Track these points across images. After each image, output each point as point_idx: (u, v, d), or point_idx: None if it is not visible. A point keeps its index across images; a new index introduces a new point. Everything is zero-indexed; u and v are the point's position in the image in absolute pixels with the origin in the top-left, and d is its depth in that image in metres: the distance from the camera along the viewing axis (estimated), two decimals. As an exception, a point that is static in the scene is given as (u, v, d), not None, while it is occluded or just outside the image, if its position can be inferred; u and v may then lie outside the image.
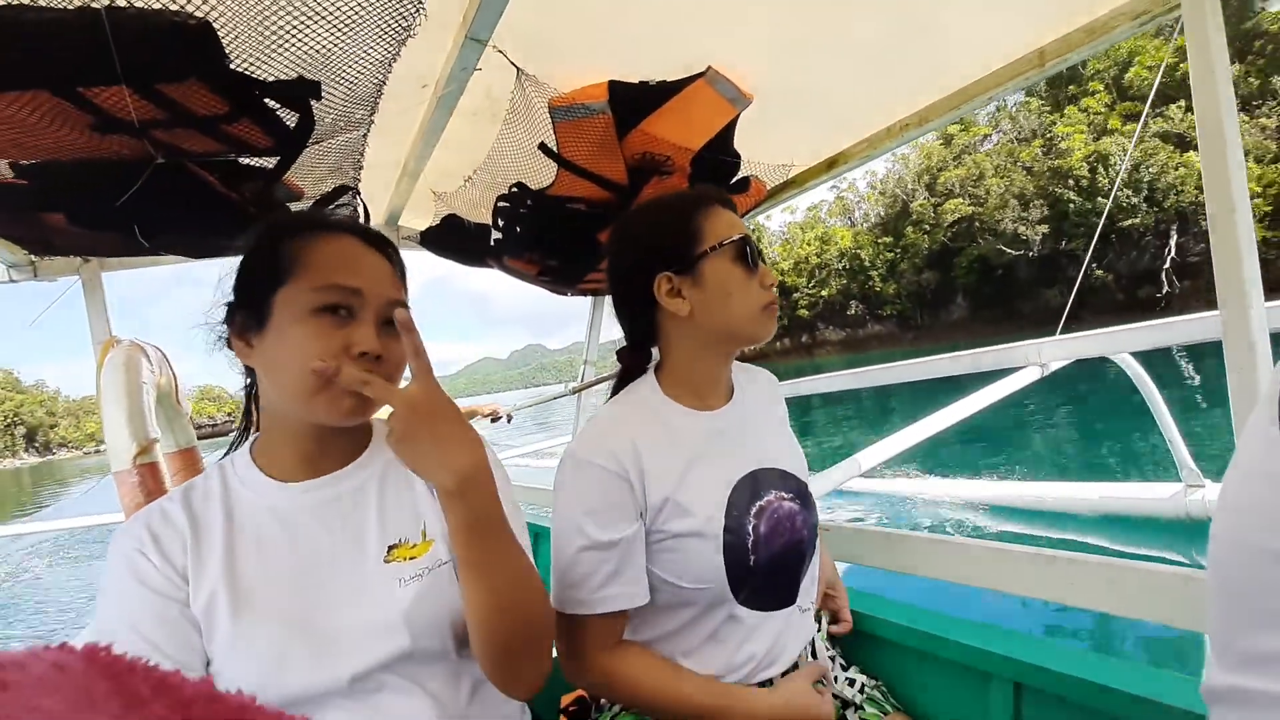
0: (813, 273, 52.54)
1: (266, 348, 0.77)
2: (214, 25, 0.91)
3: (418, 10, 0.97)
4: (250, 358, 0.80)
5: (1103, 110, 38.21)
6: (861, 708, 1.05)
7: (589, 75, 1.44)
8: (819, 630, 1.15)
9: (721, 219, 0.97)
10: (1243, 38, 33.59)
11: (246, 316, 0.78)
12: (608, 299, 1.11)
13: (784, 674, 1.04)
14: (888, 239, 48.71)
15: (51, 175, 1.14)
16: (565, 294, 2.49)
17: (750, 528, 0.95)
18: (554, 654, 0.87)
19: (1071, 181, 35.57)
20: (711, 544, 0.93)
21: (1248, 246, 0.98)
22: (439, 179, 1.99)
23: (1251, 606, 0.41)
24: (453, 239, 2.16)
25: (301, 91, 1.07)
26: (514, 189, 1.80)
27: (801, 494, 1.04)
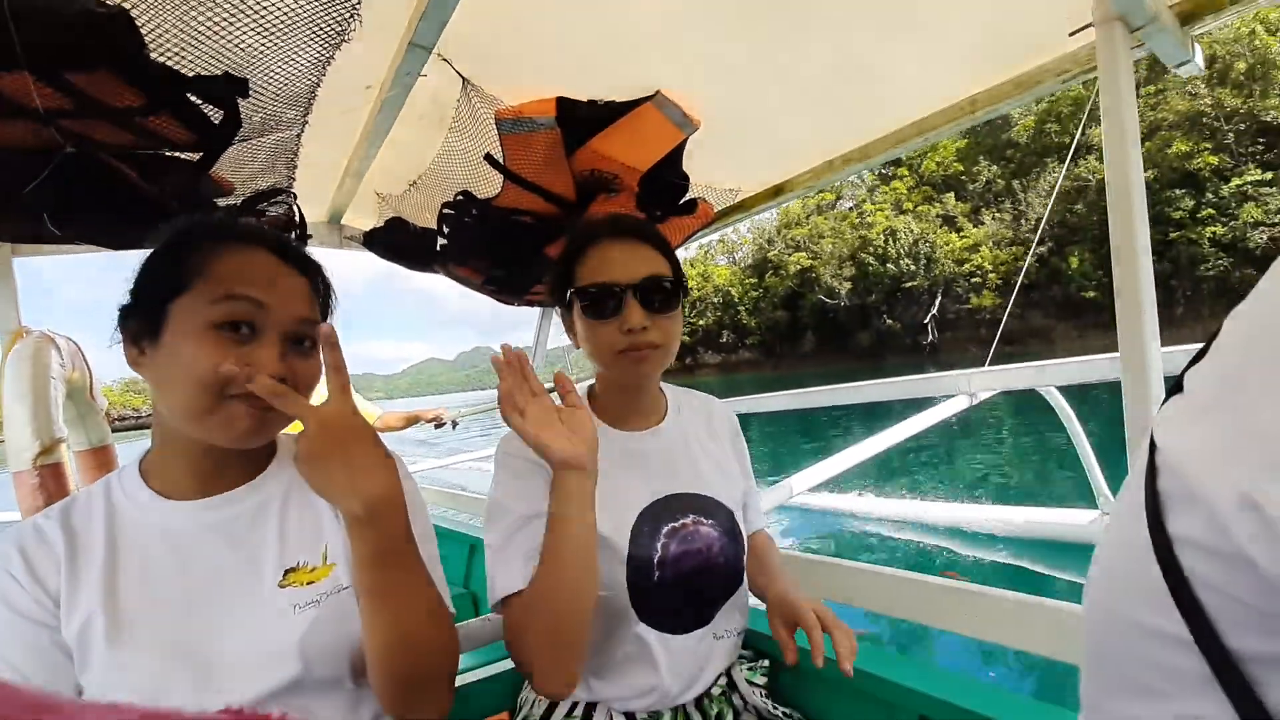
0: (694, 304, 61.58)
1: (159, 359, 0.72)
2: (132, 16, 0.87)
3: (352, 16, 0.94)
4: (141, 367, 0.74)
5: (905, 192, 47.90)
6: None
7: (537, 90, 1.43)
8: (744, 665, 1.15)
9: (597, 259, 0.98)
10: (1000, 146, 43.27)
11: (140, 322, 0.73)
12: (555, 309, 1.12)
13: (694, 701, 1.06)
14: (753, 279, 58.29)
15: (-53, 157, 1.07)
16: (512, 304, 2.47)
17: (659, 545, 0.98)
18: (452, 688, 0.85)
19: (872, 249, 45.59)
20: (616, 555, 0.96)
21: (1147, 293, 1.04)
22: (384, 181, 1.94)
23: (1121, 674, 0.41)
24: (397, 241, 2.11)
25: (228, 89, 1.03)
26: (460, 197, 1.77)
27: (726, 523, 1.05)
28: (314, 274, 0.82)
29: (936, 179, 46.65)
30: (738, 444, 1.19)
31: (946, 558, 3.75)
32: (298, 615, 0.76)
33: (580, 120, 1.45)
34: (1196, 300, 31.41)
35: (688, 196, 1.81)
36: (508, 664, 1.46)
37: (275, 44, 0.99)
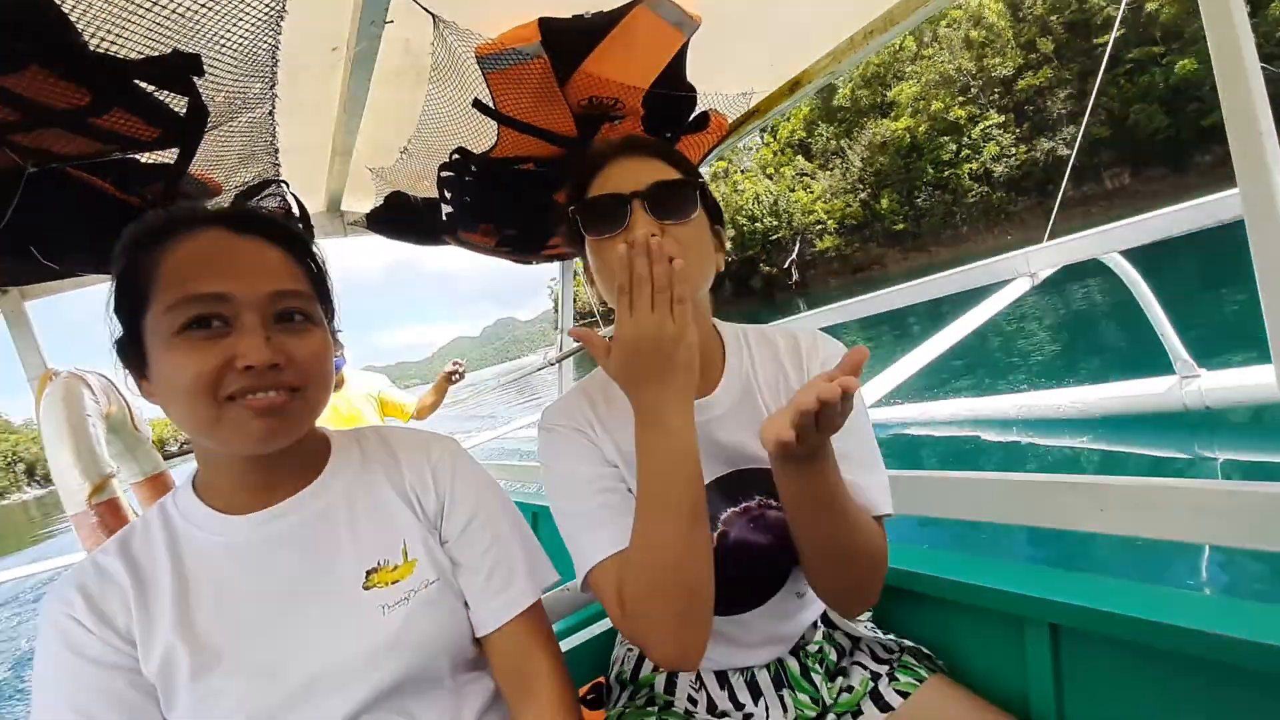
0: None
1: (155, 383, 0.67)
2: (49, -3, 0.76)
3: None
4: (150, 396, 0.69)
5: (770, 156, 56.47)
6: (896, 677, 0.98)
7: (516, 15, 1.28)
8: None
9: (602, 176, 0.87)
10: (833, 110, 51.14)
11: (130, 351, 0.68)
12: (577, 261, 1.01)
13: (790, 651, 0.99)
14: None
15: (-90, 202, 0.99)
16: (530, 263, 2.35)
17: (715, 535, 0.86)
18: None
19: (744, 212, 54.88)
20: None
21: (1266, 124, 0.87)
22: (374, 154, 1.83)
23: None
24: (400, 218, 2.01)
25: (180, 69, 0.92)
26: (455, 156, 1.64)
27: None
28: (286, 238, 0.73)
29: (794, 142, 55.84)
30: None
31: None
32: (389, 615, 0.72)
33: (568, 41, 1.31)
34: (971, 220, 42.40)
35: (697, 110, 1.65)
36: (599, 627, 1.42)
37: (215, 6, 0.87)
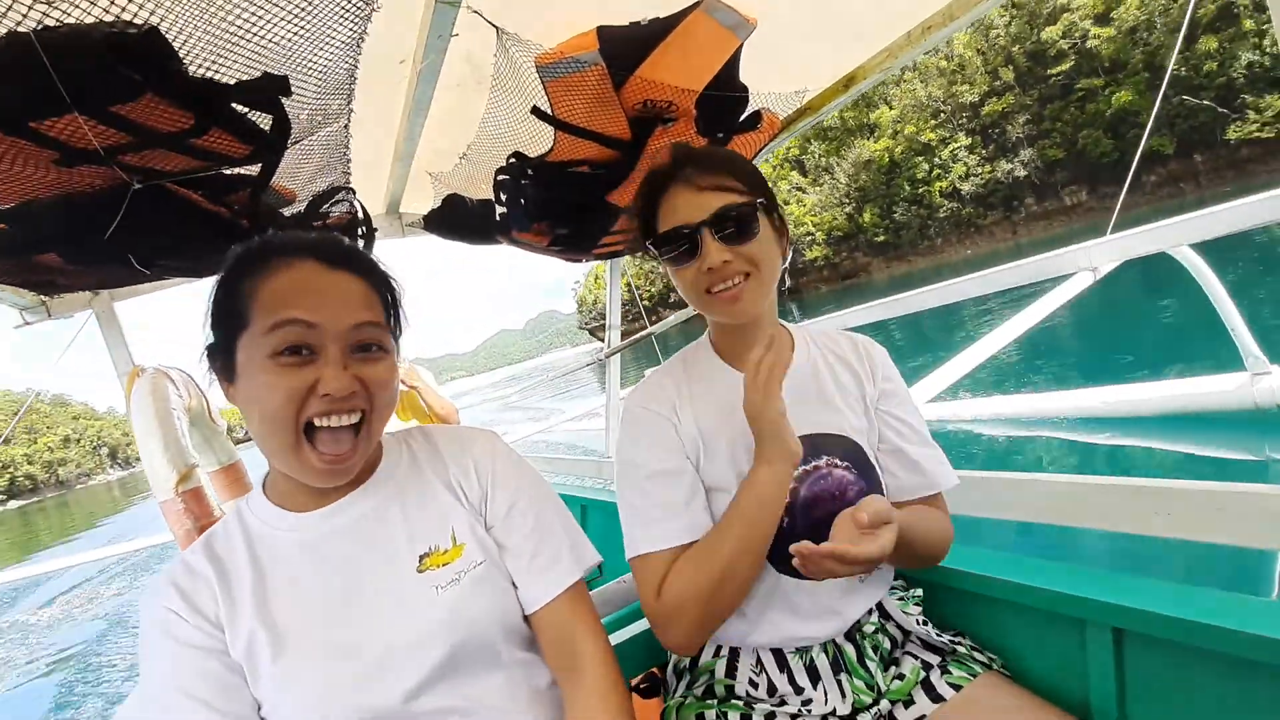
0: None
1: (240, 395, 0.74)
2: (160, 31, 0.83)
3: (376, -21, 0.86)
4: (233, 400, 0.77)
5: (770, 171, 55.43)
6: (948, 670, 0.99)
7: (575, 24, 1.31)
8: (895, 595, 1.10)
9: (668, 204, 0.96)
10: (824, 129, 53.06)
11: (220, 361, 0.76)
12: (624, 260, 1.13)
13: (845, 634, 1.04)
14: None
15: (32, 217, 1.09)
16: (581, 261, 2.40)
17: (788, 490, 0.94)
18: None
19: None
20: None
21: None
22: (433, 159, 1.89)
23: None
24: (456, 219, 2.07)
25: (270, 89, 0.98)
26: (511, 160, 1.69)
27: (861, 463, 1.00)
28: (368, 271, 0.80)
29: (789, 158, 58.25)
30: (885, 381, 1.10)
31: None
32: (442, 595, 0.79)
33: (625, 48, 1.33)
34: (943, 232, 47.16)
35: (750, 110, 1.66)
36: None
37: (304, 30, 0.92)
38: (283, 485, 0.82)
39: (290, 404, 0.70)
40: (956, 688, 0.97)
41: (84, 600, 9.49)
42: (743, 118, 1.69)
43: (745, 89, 1.59)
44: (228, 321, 0.74)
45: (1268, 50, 30.80)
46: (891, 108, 49.79)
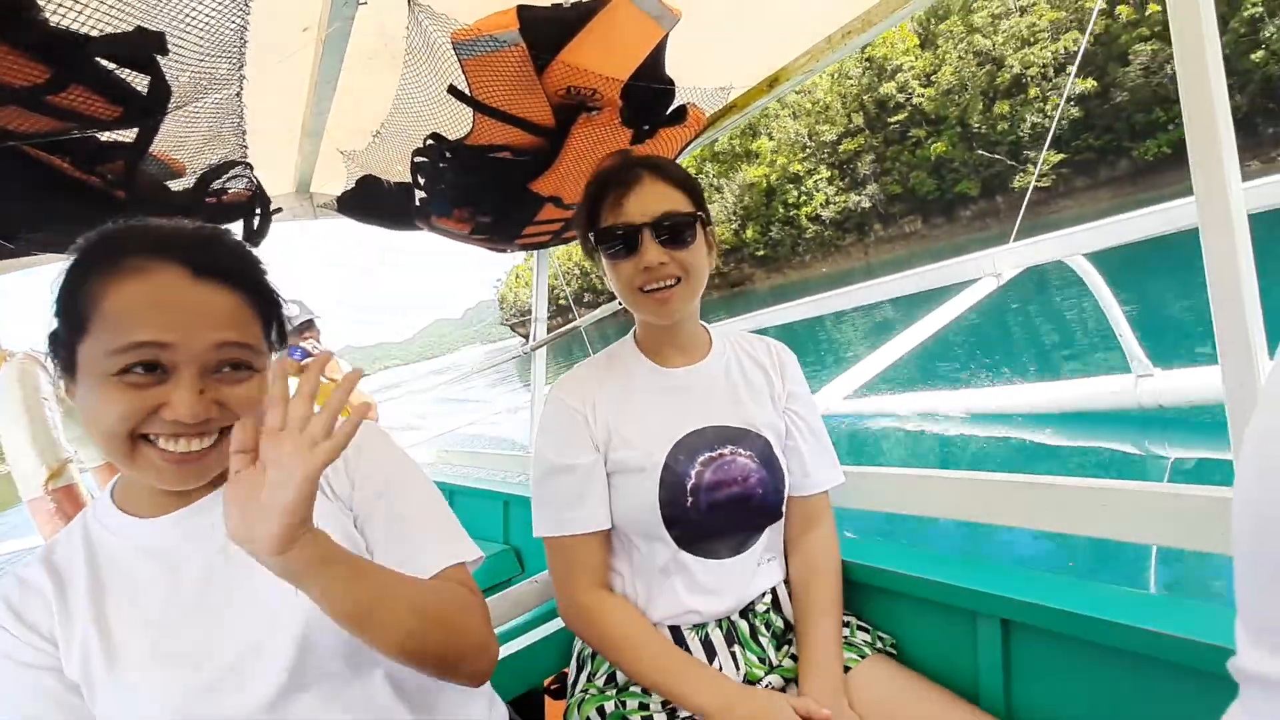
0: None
1: (79, 399, 0.67)
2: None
3: (263, -69, 0.79)
4: (73, 399, 0.69)
5: None
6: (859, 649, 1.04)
7: (493, 2, 1.26)
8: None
9: (614, 200, 1.03)
10: (717, 153, 61.27)
11: (61, 359, 0.68)
12: (550, 251, 1.16)
13: (740, 612, 1.09)
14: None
15: None
16: (505, 251, 2.33)
17: (693, 472, 1.04)
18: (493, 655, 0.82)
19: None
20: (649, 479, 1.04)
21: (1224, 123, 0.89)
22: (345, 136, 1.79)
23: None
24: (372, 202, 1.97)
25: (142, 46, 0.89)
26: (429, 141, 1.62)
27: (764, 454, 1.07)
28: (243, 281, 0.72)
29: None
30: (792, 384, 1.17)
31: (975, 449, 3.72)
32: (301, 595, 0.70)
33: (546, 29, 1.29)
34: (810, 250, 56.04)
35: (675, 104, 1.65)
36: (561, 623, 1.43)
37: (182, -18, 0.84)
38: (133, 490, 0.76)
39: (128, 421, 0.64)
40: (847, 668, 1.01)
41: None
42: (669, 111, 1.68)
43: (671, 82, 1.58)
44: (69, 320, 0.66)
45: (1048, 114, 40.79)
46: (771, 139, 58.26)
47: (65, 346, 0.67)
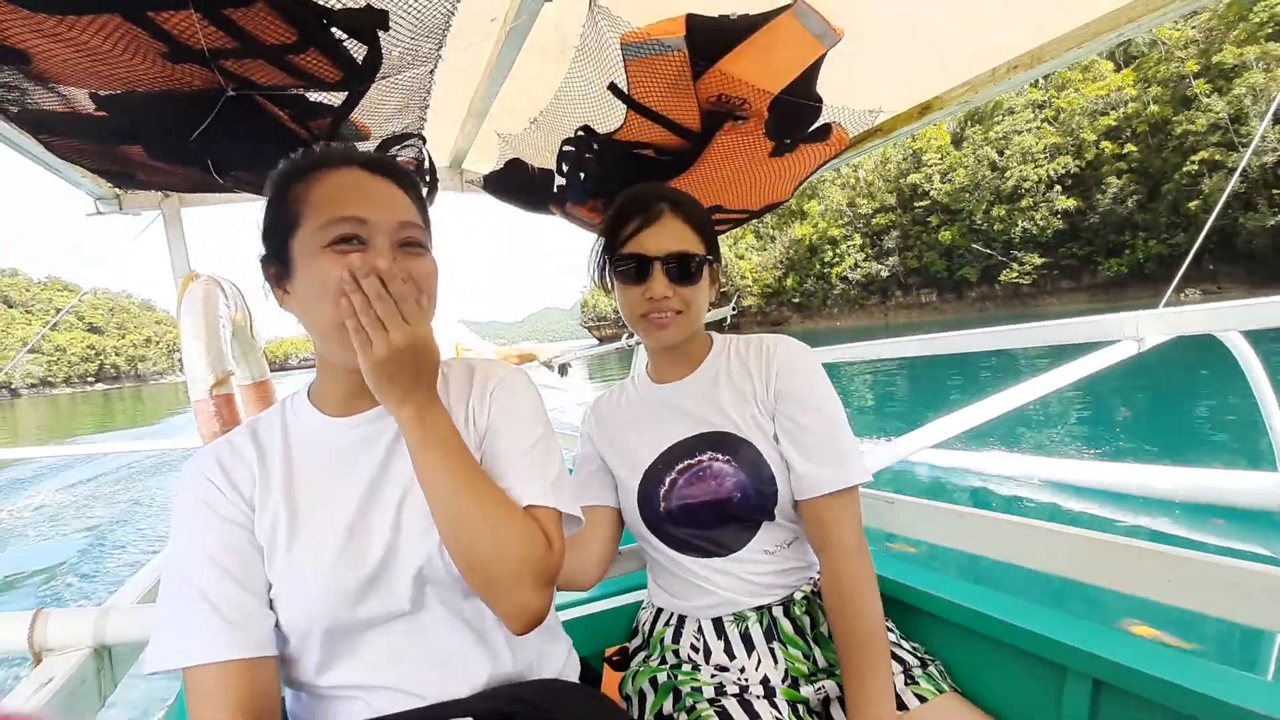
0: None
1: (297, 293, 0.78)
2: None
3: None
4: (288, 305, 0.81)
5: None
6: (915, 681, 1.01)
7: (667, 8, 1.34)
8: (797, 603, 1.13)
9: (634, 231, 1.09)
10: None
11: (276, 265, 0.80)
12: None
13: (784, 603, 1.11)
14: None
15: (129, 107, 1.15)
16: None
17: (666, 481, 1.12)
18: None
19: None
20: (630, 489, 1.15)
21: None
22: (505, 120, 1.93)
23: None
24: (515, 183, 2.12)
25: (370, 21, 1.03)
26: (580, 132, 1.72)
27: (750, 456, 1.08)
28: (407, 182, 0.84)
29: (753, 224, 68.24)
30: (782, 381, 1.12)
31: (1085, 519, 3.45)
32: (429, 522, 0.80)
33: (710, 38, 1.35)
34: (838, 305, 65.18)
35: (820, 121, 1.67)
36: (629, 597, 1.49)
37: (412, -31, 0.97)
38: (325, 389, 0.86)
39: (338, 290, 0.74)
40: (922, 699, 0.99)
41: (112, 485, 10.17)
42: (812, 128, 1.70)
43: (820, 99, 1.60)
44: (280, 226, 0.79)
45: (1037, 222, 48.33)
46: (820, 203, 67.27)
47: (278, 255, 0.79)
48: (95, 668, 0.95)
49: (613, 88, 1.51)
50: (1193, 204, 39.16)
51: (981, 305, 54.25)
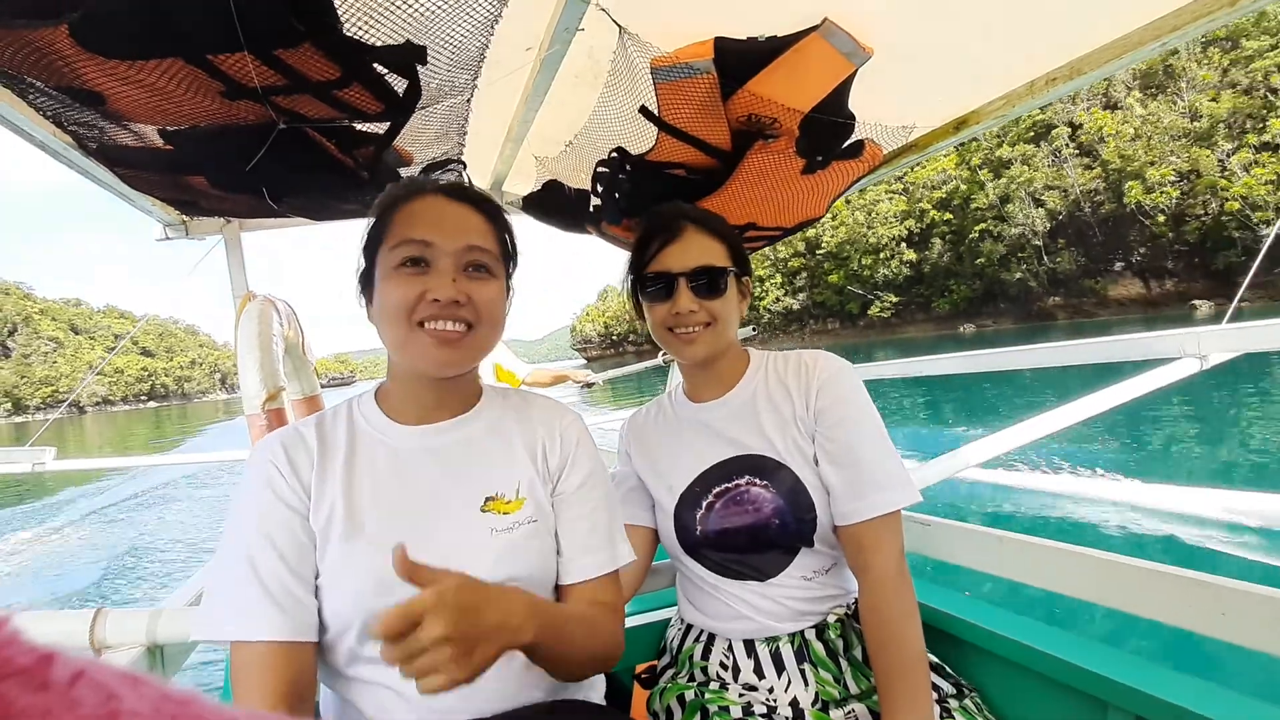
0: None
1: (375, 307, 0.86)
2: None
3: (518, -34, 0.94)
4: (371, 316, 0.89)
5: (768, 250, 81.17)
6: (951, 715, 0.97)
7: (695, 32, 1.36)
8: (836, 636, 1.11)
9: (660, 248, 1.12)
10: (809, 240, 79.12)
11: (365, 279, 0.89)
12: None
13: (817, 628, 1.10)
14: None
15: (192, 140, 1.24)
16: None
17: (704, 504, 1.12)
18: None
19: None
20: (666, 511, 1.15)
21: None
22: (541, 144, 1.99)
23: None
24: (553, 204, 2.17)
25: (408, 57, 1.09)
26: (613, 154, 1.76)
27: (788, 482, 1.07)
28: (486, 208, 0.91)
29: (779, 259, 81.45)
30: (824, 399, 1.09)
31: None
32: (496, 538, 0.85)
33: (739, 60, 1.37)
34: (763, 333, 76.46)
35: (854, 138, 1.66)
36: (659, 614, 1.48)
37: (447, 6, 1.02)
38: (392, 396, 0.92)
39: (405, 301, 0.81)
40: None
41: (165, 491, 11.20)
42: (845, 145, 1.69)
43: (853, 117, 1.60)
44: (370, 246, 0.87)
45: (893, 269, 65.99)
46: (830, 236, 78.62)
47: (368, 271, 0.88)
48: (148, 665, 1.01)
49: (644, 110, 1.54)
50: (979, 260, 57.39)
51: (865, 332, 71.40)
